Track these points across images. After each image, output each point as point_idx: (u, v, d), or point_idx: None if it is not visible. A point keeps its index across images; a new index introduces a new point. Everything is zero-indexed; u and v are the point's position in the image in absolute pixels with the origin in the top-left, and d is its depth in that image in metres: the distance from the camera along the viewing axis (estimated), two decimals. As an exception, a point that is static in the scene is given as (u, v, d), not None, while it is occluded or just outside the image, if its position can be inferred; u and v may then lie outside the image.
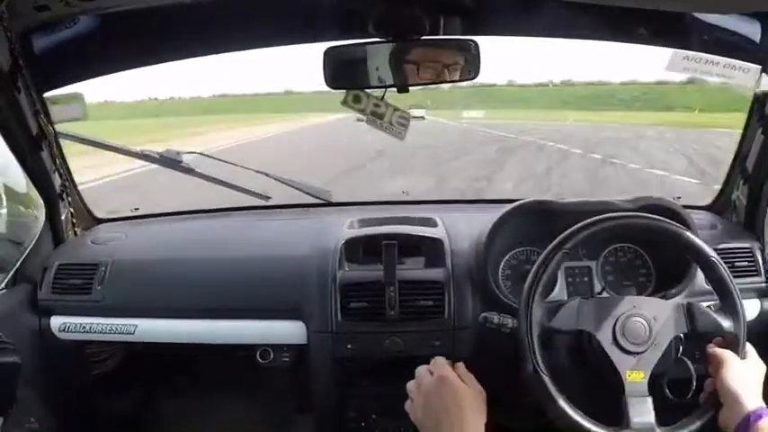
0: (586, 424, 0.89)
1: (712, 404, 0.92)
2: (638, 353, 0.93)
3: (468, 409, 0.85)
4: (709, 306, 0.97)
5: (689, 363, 0.98)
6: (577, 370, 1.00)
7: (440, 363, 0.93)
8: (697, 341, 0.99)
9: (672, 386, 0.98)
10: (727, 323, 0.95)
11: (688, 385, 0.98)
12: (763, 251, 1.27)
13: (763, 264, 1.25)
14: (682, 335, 0.97)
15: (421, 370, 0.93)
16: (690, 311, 0.95)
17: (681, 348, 0.98)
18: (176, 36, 1.28)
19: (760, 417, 0.84)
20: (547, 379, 0.91)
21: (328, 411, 1.23)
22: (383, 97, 1.17)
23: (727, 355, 0.93)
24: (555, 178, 8.13)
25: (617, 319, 0.94)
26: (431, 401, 0.87)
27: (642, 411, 0.90)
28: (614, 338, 0.93)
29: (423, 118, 15.46)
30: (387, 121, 1.18)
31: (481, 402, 0.88)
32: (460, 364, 0.94)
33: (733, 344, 0.94)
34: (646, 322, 0.94)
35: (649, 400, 0.91)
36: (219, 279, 1.28)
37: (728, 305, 0.96)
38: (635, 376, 0.92)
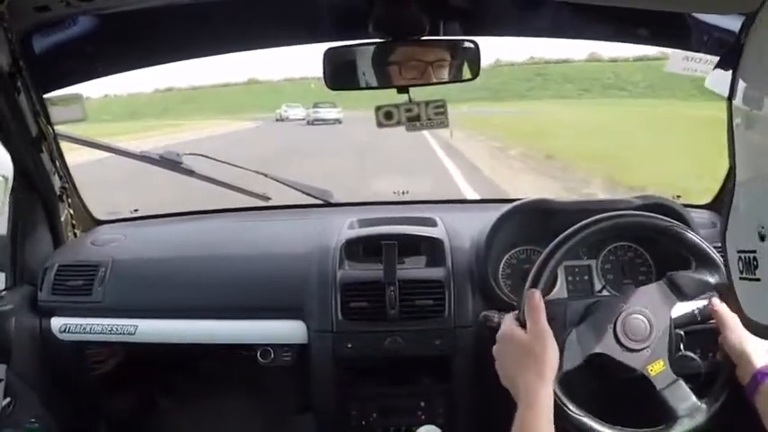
0: None
1: (730, 362, 0.92)
2: (648, 346, 0.92)
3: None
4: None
5: (693, 355, 0.99)
6: (604, 390, 0.99)
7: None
8: (699, 336, 0.99)
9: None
10: (712, 278, 0.95)
11: (696, 380, 0.98)
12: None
13: None
14: (683, 333, 0.97)
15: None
16: (672, 282, 0.95)
17: (682, 345, 0.98)
18: (177, 37, 1.29)
19: (766, 375, 0.83)
20: (586, 420, 0.89)
21: (329, 410, 1.23)
22: (410, 99, 1.15)
23: (726, 314, 0.92)
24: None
25: (614, 325, 0.93)
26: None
27: (682, 396, 0.90)
28: (620, 344, 0.92)
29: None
30: (425, 119, 1.15)
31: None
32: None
33: (730, 293, 0.94)
34: (641, 315, 0.93)
35: (681, 381, 0.90)
36: (220, 279, 1.28)
37: (705, 262, 0.96)
38: (657, 367, 0.91)
